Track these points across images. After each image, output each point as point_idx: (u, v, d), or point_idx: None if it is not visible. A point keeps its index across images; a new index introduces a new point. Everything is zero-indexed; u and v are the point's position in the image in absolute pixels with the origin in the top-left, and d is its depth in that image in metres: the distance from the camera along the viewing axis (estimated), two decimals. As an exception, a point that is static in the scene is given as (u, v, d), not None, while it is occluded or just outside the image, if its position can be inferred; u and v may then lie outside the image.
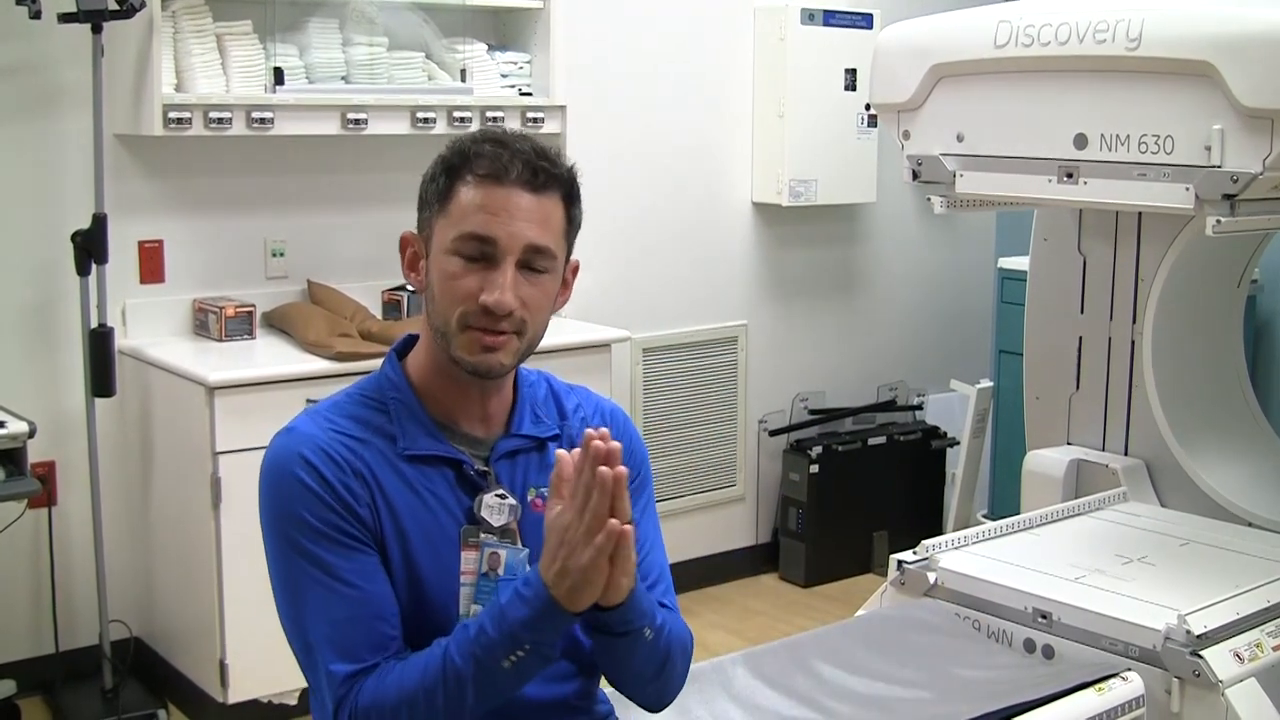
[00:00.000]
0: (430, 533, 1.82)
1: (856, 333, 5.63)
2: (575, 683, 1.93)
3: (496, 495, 1.86)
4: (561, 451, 1.74)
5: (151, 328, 4.12)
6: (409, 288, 4.36)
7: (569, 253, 1.90)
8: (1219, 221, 2.83)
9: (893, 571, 3.20)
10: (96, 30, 3.68)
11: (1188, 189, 2.86)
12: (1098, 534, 3.43)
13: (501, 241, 1.78)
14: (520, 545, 1.86)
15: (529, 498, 1.89)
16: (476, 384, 1.87)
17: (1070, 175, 3.07)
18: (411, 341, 1.94)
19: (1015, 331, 4.27)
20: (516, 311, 1.79)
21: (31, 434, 3.45)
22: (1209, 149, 2.81)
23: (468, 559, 1.83)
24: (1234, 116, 2.77)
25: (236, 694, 3.80)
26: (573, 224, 1.87)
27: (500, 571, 1.83)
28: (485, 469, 1.87)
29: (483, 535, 1.84)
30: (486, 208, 1.78)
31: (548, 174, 1.81)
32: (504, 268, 1.78)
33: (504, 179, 1.78)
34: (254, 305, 4.16)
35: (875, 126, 5.21)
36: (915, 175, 3.39)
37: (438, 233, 1.83)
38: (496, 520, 1.85)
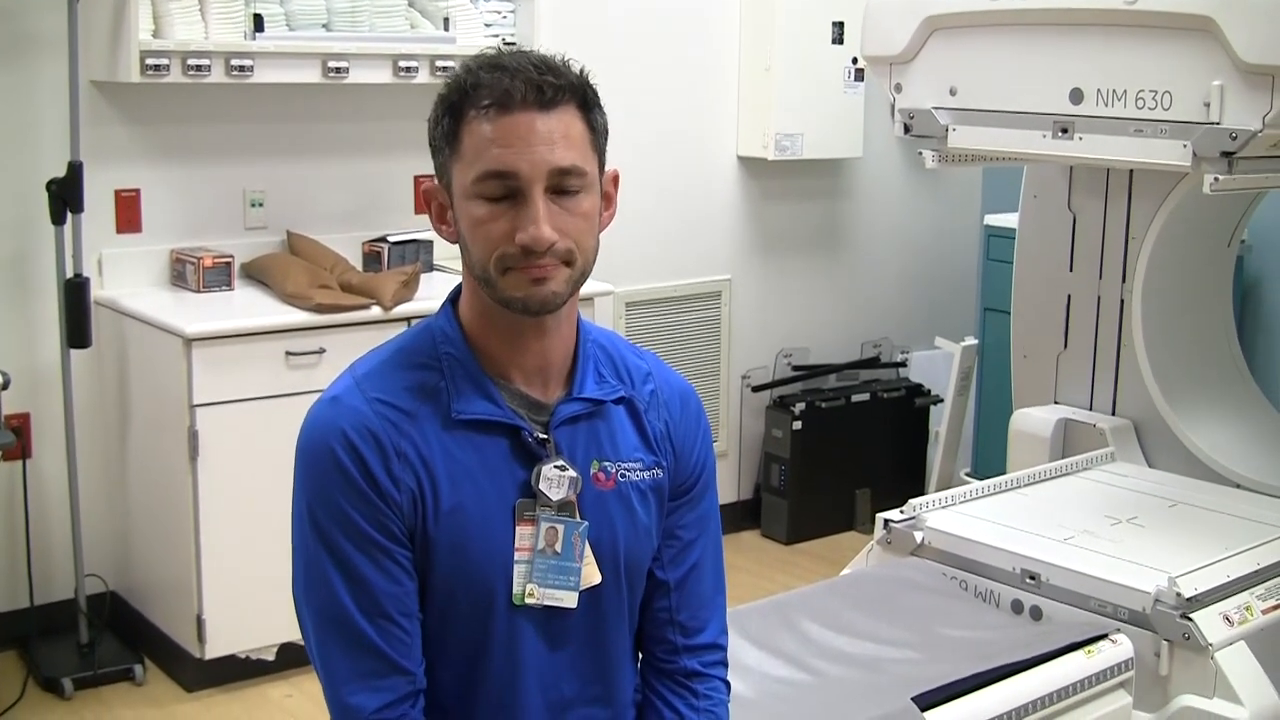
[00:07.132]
0: (482, 506, 1.70)
1: (841, 289, 5.59)
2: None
3: (555, 467, 1.72)
4: None
5: (128, 278, 4.06)
6: (389, 239, 4.30)
7: (602, 163, 1.74)
8: (1217, 179, 2.79)
9: (879, 530, 3.18)
10: (72, -27, 3.62)
11: (1185, 146, 2.82)
12: (1086, 494, 3.41)
13: (524, 172, 1.63)
14: (579, 519, 1.74)
15: (591, 470, 1.76)
16: (531, 326, 1.72)
17: (1065, 131, 3.03)
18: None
19: (1001, 289, 4.24)
20: (558, 243, 1.65)
21: (5, 385, 3.45)
22: (1208, 105, 2.77)
23: (523, 534, 1.71)
24: (1234, 73, 2.73)
25: (214, 649, 3.78)
26: (597, 131, 1.71)
27: (558, 548, 1.72)
28: (544, 436, 1.74)
29: (540, 509, 1.72)
30: (499, 140, 1.64)
31: (555, 87, 1.65)
32: (533, 200, 1.64)
33: (511, 105, 1.64)
34: (232, 256, 4.10)
35: (862, 80, 5.16)
36: (907, 129, 3.35)
37: (456, 177, 1.68)
38: (555, 494, 1.72)
